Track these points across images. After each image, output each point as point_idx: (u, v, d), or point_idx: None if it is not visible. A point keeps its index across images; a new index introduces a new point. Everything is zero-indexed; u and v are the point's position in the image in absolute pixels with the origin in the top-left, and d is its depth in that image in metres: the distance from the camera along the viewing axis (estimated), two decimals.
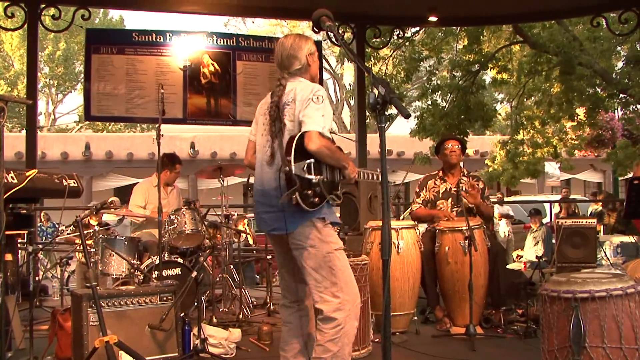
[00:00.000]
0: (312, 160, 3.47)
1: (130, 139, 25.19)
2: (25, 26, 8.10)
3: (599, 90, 15.90)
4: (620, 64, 16.98)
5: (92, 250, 5.73)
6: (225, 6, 8.88)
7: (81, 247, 5.35)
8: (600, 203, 15.12)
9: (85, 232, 5.54)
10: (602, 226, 12.33)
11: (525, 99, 17.93)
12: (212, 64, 8.54)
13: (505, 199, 18.32)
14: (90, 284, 4.20)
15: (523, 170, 17.57)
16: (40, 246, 7.96)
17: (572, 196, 19.49)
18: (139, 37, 8.40)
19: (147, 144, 21.57)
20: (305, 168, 3.45)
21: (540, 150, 17.75)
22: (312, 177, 3.45)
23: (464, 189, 6.15)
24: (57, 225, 13.02)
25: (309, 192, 3.44)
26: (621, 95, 15.51)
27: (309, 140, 3.45)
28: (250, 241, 11.95)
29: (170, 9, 8.72)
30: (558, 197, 20.67)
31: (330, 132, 3.62)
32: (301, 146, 3.45)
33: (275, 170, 3.59)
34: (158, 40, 8.41)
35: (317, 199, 3.47)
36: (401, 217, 10.65)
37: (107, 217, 10.55)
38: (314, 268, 3.58)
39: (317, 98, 3.54)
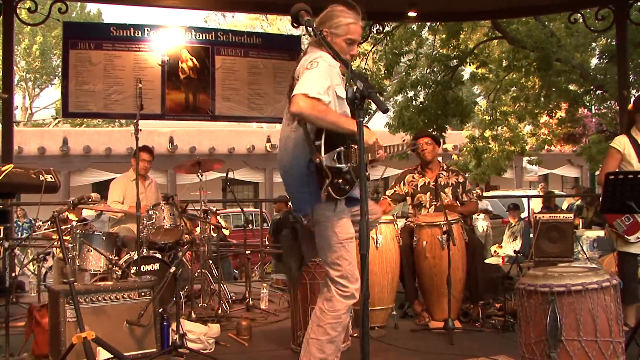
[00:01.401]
0: (342, 148, 3.35)
1: (109, 133, 25.02)
2: (1, 19, 8.00)
3: (576, 87, 16.06)
4: (595, 60, 17.17)
5: (70, 245, 5.68)
6: (204, 0, 8.83)
7: (58, 243, 5.30)
8: (579, 197, 15.26)
9: (63, 227, 5.50)
10: (580, 220, 12.45)
11: (502, 95, 18.07)
12: (191, 59, 8.50)
13: (484, 194, 18.43)
14: (68, 279, 4.16)
15: (491, 165, 17.71)
16: (17, 242, 7.90)
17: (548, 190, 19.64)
18: (117, 31, 8.32)
19: (125, 139, 21.43)
20: (335, 157, 3.34)
21: (510, 146, 17.90)
22: (343, 165, 3.34)
23: (442, 183, 6.19)
24: (33, 221, 12.90)
25: (340, 180, 3.37)
26: (597, 92, 15.68)
27: (292, 104, 3.30)
28: (226, 232, 11.95)
29: (149, 2, 8.68)
30: (536, 192, 20.85)
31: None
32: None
33: (304, 157, 3.44)
34: (136, 35, 8.35)
35: (347, 187, 3.40)
36: None
37: (86, 213, 10.47)
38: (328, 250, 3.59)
39: (311, 63, 3.37)
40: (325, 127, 3.31)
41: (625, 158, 5.02)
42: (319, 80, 3.33)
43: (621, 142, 5.09)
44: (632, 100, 5.75)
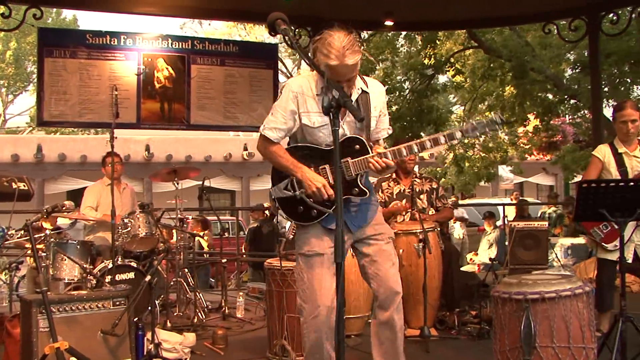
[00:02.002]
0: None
1: (84, 141, 24.81)
2: None
3: (550, 95, 16.26)
4: (569, 70, 17.40)
5: (43, 254, 5.62)
6: (180, 8, 8.81)
7: (32, 252, 5.25)
8: (555, 205, 15.39)
9: (37, 236, 5.43)
10: (562, 228, 12.54)
11: (478, 103, 18.24)
12: (167, 68, 8.47)
13: (460, 202, 18.57)
14: (41, 289, 4.11)
15: (472, 174, 17.85)
16: None
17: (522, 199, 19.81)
18: (93, 39, 8.26)
19: (101, 147, 21.10)
20: (284, 188, 3.45)
21: (491, 154, 18.06)
22: (296, 193, 3.39)
23: (417, 190, 6.22)
24: (5, 230, 12.73)
25: (300, 207, 3.46)
26: (571, 101, 15.88)
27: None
28: (204, 245, 11.88)
29: (125, 10, 8.61)
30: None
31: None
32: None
33: None
34: (112, 43, 8.29)
35: (311, 211, 3.42)
36: None
37: (61, 221, 10.37)
38: None
39: (280, 92, 3.54)
40: (273, 165, 3.55)
41: (605, 167, 5.09)
42: (273, 115, 3.48)
43: (602, 151, 5.16)
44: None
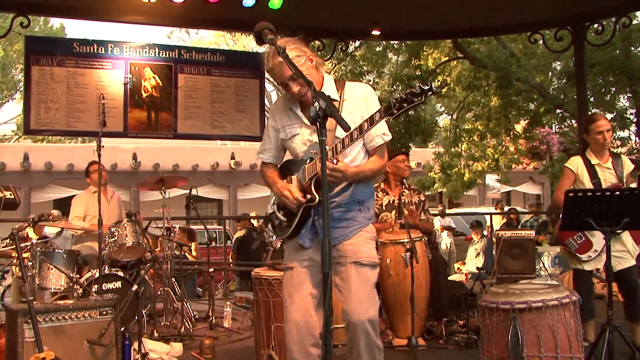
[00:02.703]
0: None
1: (71, 149, 24.70)
2: None
3: (536, 105, 16.38)
4: (555, 80, 17.54)
5: (29, 263, 5.58)
6: (168, 17, 8.81)
7: (17, 261, 5.21)
8: (532, 215, 15.48)
9: (22, 245, 5.40)
10: (546, 235, 12.59)
11: (465, 113, 18.35)
12: (154, 77, 8.47)
13: (447, 211, 18.63)
14: (26, 298, 4.08)
15: (459, 183, 17.94)
16: None
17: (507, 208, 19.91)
18: (80, 47, 8.25)
19: (88, 155, 21.04)
20: (270, 205, 3.57)
21: (479, 163, 18.15)
22: (271, 210, 3.54)
23: (405, 201, 6.23)
24: None
25: (277, 222, 3.52)
26: (557, 111, 15.99)
27: None
28: (190, 258, 11.82)
29: (112, 18, 8.59)
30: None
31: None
32: None
33: None
34: (99, 51, 8.29)
35: (283, 224, 3.47)
36: None
37: (48, 230, 10.31)
38: None
39: None
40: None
41: (578, 178, 5.13)
42: (263, 137, 3.62)
43: (575, 163, 5.21)
44: None
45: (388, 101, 3.05)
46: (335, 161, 3.15)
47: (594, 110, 14.68)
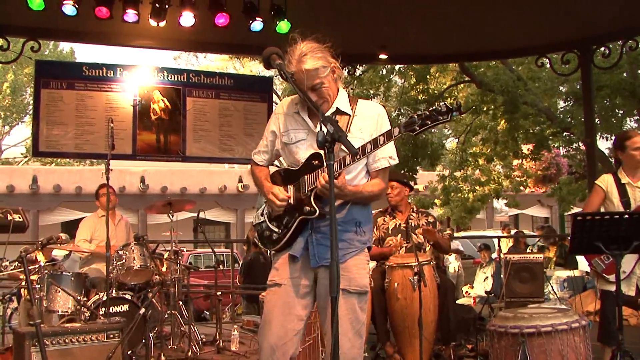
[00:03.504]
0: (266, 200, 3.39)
1: (79, 172, 24.81)
2: None
3: (543, 128, 16.37)
4: (562, 103, 17.55)
5: (37, 286, 5.58)
6: (176, 41, 8.89)
7: (25, 284, 5.22)
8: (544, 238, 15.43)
9: (30, 267, 5.41)
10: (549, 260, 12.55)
11: (472, 137, 18.35)
12: (162, 100, 8.52)
13: (455, 234, 18.57)
14: (34, 321, 4.08)
15: (460, 206, 17.91)
16: None
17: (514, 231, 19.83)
18: (89, 71, 8.33)
19: (96, 178, 21.22)
20: (261, 214, 3.44)
21: (485, 187, 18.13)
22: (262, 219, 3.41)
23: (413, 224, 6.21)
24: None
25: (267, 233, 3.39)
26: (565, 134, 15.98)
27: None
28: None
29: (122, 43, 8.69)
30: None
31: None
32: None
33: None
34: (108, 75, 8.36)
35: (273, 235, 3.35)
36: None
37: (56, 252, 10.32)
38: None
39: None
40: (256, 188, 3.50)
41: (607, 196, 5.06)
42: (262, 139, 3.51)
43: (605, 180, 5.13)
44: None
45: (409, 117, 2.96)
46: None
47: (603, 133, 14.69)
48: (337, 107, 3.28)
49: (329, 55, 3.23)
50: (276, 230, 3.32)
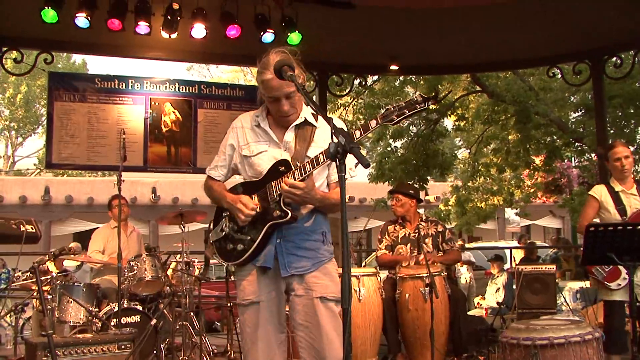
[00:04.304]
0: (226, 213, 3.37)
1: (91, 183, 24.93)
2: None
3: (555, 138, 16.32)
4: (573, 114, 17.50)
5: (49, 297, 5.61)
6: (188, 53, 8.92)
7: (37, 294, 5.25)
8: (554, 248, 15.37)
9: (43, 278, 5.43)
10: (563, 272, 12.46)
11: (483, 147, 18.32)
12: (174, 112, 8.56)
13: (466, 245, 18.51)
14: (46, 332, 4.10)
15: (473, 215, 17.87)
16: None
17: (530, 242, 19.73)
18: (102, 83, 8.39)
19: (108, 189, 21.30)
20: (220, 229, 3.37)
21: (495, 197, 18.08)
22: (226, 230, 3.34)
23: (423, 233, 6.21)
24: (11, 272, 12.71)
25: (231, 246, 3.31)
26: (576, 144, 15.93)
27: None
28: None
29: (134, 55, 8.75)
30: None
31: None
32: None
33: None
34: (120, 87, 8.42)
35: (238, 246, 3.27)
36: (363, 264, 10.65)
37: (68, 263, 10.37)
38: None
39: None
40: (213, 203, 3.50)
41: (602, 205, 5.09)
42: (217, 155, 3.53)
43: (598, 190, 5.18)
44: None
45: (386, 108, 3.04)
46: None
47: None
48: (305, 118, 3.32)
49: (300, 66, 3.21)
50: (242, 241, 3.27)
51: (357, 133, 3.05)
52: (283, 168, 3.20)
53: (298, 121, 3.30)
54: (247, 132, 3.41)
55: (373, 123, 3.04)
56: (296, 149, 3.26)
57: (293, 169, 3.15)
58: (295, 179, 3.09)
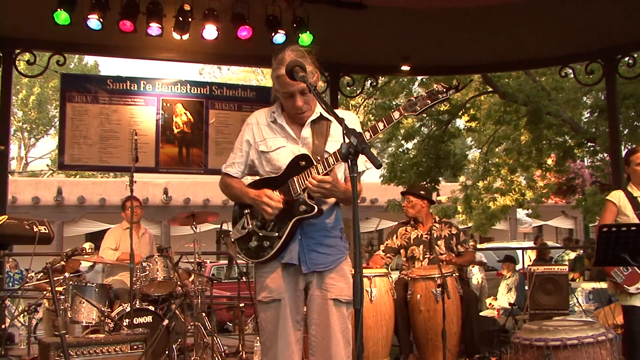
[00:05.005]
0: (247, 210, 3.33)
1: (103, 184, 25.03)
2: (0, 71, 8.11)
3: (567, 138, 16.27)
4: (586, 114, 17.42)
5: (62, 297, 5.64)
6: (199, 54, 8.95)
7: (50, 294, 5.29)
8: (573, 250, 15.26)
9: (55, 278, 5.46)
10: (583, 272, 12.34)
11: (495, 147, 18.28)
12: (185, 113, 8.58)
13: (478, 246, 18.46)
14: (59, 332, 4.12)
15: (483, 216, 17.82)
16: (8, 293, 7.82)
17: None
18: (114, 84, 8.42)
19: (120, 190, 21.46)
20: (241, 227, 3.33)
21: (506, 197, 18.03)
22: (249, 227, 3.30)
23: (435, 235, 6.20)
24: (24, 272, 12.79)
25: (255, 243, 3.28)
26: (589, 144, 15.86)
27: None
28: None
29: (145, 56, 8.80)
30: (530, 243, 20.84)
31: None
32: None
33: None
34: (132, 88, 8.45)
35: (265, 243, 3.25)
36: None
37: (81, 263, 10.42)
38: None
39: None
40: (232, 200, 3.46)
41: (620, 210, 5.03)
42: (233, 152, 3.48)
43: (616, 196, 5.12)
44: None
45: (408, 99, 3.05)
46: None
47: (628, 144, 14.52)
48: (320, 113, 3.30)
49: (315, 64, 3.25)
50: (267, 237, 3.24)
51: (381, 125, 3.05)
52: (304, 163, 3.18)
53: (313, 117, 3.29)
54: (262, 128, 3.39)
55: (396, 114, 3.03)
56: (314, 143, 3.26)
57: (315, 163, 3.14)
58: (319, 173, 3.09)
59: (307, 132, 3.28)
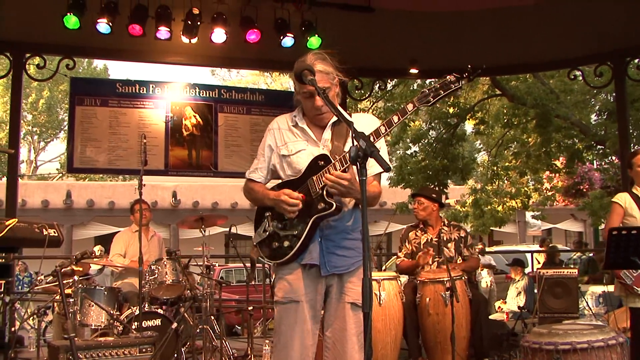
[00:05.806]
0: (268, 213, 3.35)
1: (112, 187, 25.09)
2: (10, 75, 8.15)
3: (576, 141, 16.22)
4: (594, 117, 17.38)
5: (71, 300, 5.66)
6: (208, 57, 8.98)
7: (60, 297, 5.30)
8: (580, 252, 15.21)
9: (65, 281, 5.48)
10: (591, 276, 12.28)
11: (503, 150, 18.24)
12: (194, 116, 8.59)
13: (487, 249, 18.39)
14: (68, 335, 4.13)
15: (490, 218, 17.78)
16: (18, 296, 7.85)
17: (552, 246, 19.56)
18: (123, 88, 8.44)
19: (129, 193, 21.48)
20: (263, 231, 3.34)
21: (513, 200, 17.98)
22: (270, 229, 3.32)
23: (445, 238, 6.19)
24: (34, 275, 12.86)
25: (276, 244, 3.30)
26: (598, 147, 15.80)
27: None
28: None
29: (154, 60, 8.81)
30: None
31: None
32: None
33: None
34: (141, 91, 8.46)
35: (284, 243, 3.27)
36: (383, 268, 10.62)
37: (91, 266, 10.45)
38: None
39: None
40: (255, 204, 3.48)
41: (627, 212, 5.02)
42: (257, 158, 3.52)
43: (622, 198, 5.11)
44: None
45: (421, 91, 3.06)
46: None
47: (637, 146, 14.47)
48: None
49: (334, 69, 3.33)
50: (288, 237, 3.27)
51: (395, 118, 3.07)
52: (322, 162, 3.21)
53: (334, 119, 3.31)
54: (284, 132, 3.43)
55: (410, 106, 3.06)
56: (334, 144, 3.28)
57: (333, 161, 3.15)
58: (336, 170, 3.10)
59: (328, 134, 3.32)
